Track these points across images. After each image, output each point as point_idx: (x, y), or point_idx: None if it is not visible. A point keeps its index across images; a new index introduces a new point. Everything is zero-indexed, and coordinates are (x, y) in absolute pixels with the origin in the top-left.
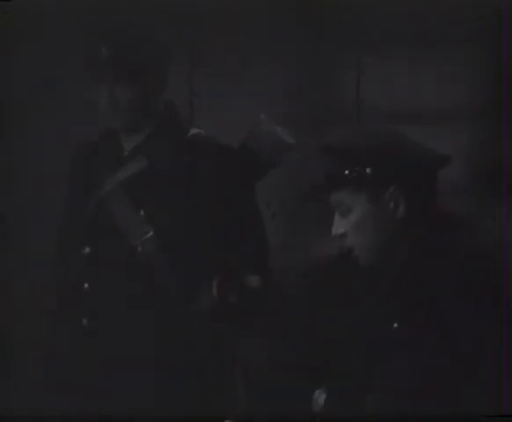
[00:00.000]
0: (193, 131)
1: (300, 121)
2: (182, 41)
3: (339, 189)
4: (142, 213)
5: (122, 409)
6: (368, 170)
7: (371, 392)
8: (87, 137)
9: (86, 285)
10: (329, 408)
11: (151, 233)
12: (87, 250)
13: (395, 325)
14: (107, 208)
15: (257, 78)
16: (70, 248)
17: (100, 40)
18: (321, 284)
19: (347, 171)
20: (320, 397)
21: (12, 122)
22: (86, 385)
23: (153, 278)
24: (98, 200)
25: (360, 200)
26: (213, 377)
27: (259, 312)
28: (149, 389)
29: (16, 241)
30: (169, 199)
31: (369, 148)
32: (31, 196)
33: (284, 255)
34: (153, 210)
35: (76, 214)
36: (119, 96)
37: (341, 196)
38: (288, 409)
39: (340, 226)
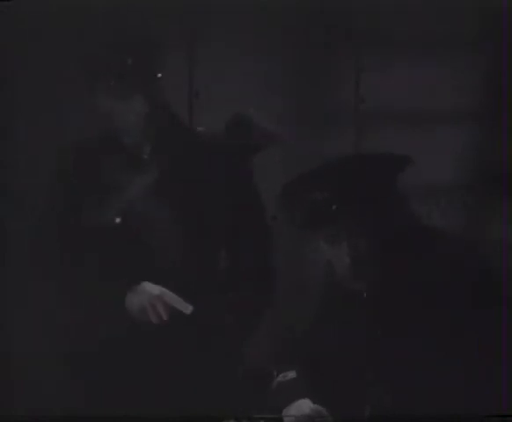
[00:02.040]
0: (199, 129)
1: (299, 121)
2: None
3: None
4: (168, 213)
5: (121, 409)
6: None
7: (369, 398)
8: (102, 142)
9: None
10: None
11: (178, 233)
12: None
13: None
14: (134, 212)
15: (255, 77)
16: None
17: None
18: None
19: (335, 206)
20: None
21: (17, 123)
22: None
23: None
24: (123, 203)
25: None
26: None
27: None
28: (149, 389)
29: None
30: (184, 196)
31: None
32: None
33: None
34: (176, 209)
35: (93, 217)
36: (128, 110)
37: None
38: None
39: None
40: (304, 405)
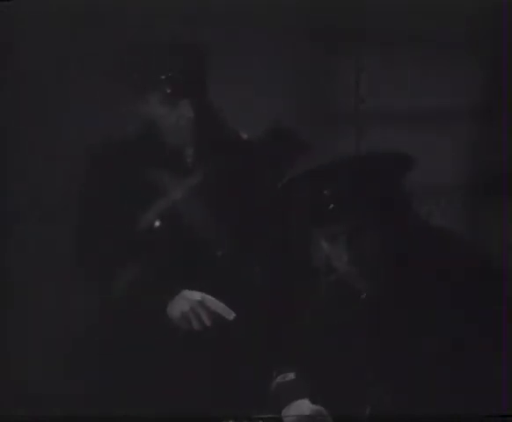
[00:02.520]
0: (244, 135)
1: (299, 121)
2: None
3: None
4: (215, 215)
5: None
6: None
7: (369, 398)
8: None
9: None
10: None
11: (228, 234)
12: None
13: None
14: (180, 213)
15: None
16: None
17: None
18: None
19: (332, 205)
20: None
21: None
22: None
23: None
24: (170, 204)
25: (344, 226)
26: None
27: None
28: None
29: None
30: (233, 199)
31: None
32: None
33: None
34: (222, 212)
35: (140, 220)
36: (182, 112)
37: (329, 227)
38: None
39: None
40: (304, 405)
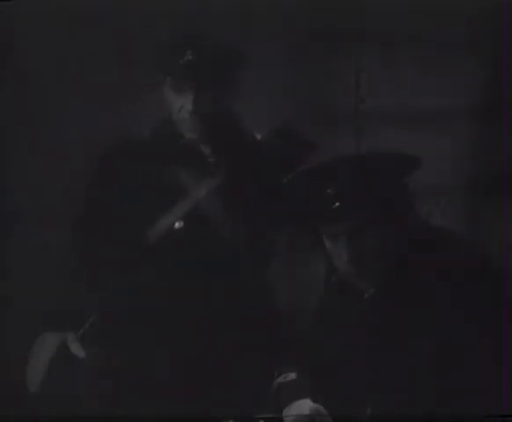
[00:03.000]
0: (258, 136)
1: (299, 121)
2: None
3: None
4: (233, 214)
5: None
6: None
7: (369, 398)
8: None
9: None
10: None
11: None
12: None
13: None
14: (201, 213)
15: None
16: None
17: (185, 46)
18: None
19: (337, 203)
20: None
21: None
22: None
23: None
24: (192, 204)
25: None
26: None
27: None
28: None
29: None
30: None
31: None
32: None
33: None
34: (243, 211)
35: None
36: (201, 104)
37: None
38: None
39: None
40: (305, 405)
